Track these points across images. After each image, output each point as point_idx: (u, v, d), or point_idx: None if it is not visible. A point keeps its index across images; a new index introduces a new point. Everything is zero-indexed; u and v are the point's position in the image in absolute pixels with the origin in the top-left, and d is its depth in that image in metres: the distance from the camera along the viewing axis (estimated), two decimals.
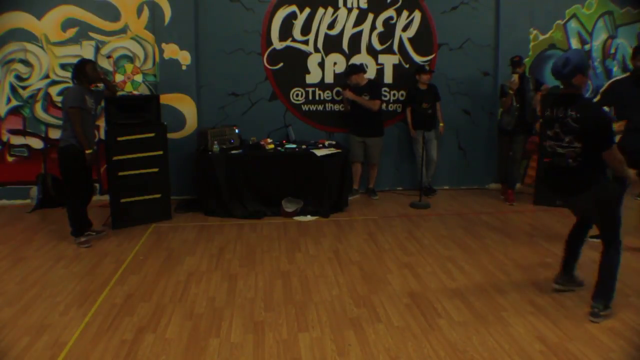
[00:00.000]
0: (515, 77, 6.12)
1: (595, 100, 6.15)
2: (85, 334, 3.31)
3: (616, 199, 3.47)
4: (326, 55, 6.70)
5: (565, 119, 3.36)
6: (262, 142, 6.19)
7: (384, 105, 6.69)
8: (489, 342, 3.19)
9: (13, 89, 6.26)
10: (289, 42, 6.62)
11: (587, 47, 7.15)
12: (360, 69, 6.43)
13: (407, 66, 6.81)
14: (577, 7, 7.01)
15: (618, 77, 5.09)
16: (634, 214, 6.07)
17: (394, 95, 6.83)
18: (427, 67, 6.67)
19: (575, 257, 3.87)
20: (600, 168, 3.40)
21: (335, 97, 6.79)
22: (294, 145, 6.25)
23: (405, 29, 6.75)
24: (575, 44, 7.09)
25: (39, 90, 6.29)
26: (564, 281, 3.88)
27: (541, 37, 6.99)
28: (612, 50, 7.24)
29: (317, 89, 6.75)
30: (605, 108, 4.80)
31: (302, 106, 6.78)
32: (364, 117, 6.36)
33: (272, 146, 6.15)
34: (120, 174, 5.33)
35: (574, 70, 3.35)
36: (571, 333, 3.29)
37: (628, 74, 4.94)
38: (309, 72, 6.71)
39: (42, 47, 6.20)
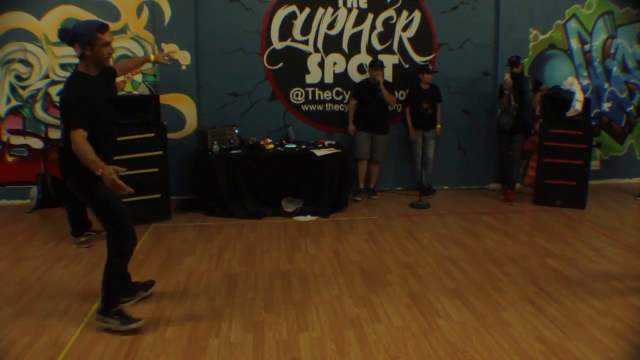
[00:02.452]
0: (507, 76, 6.13)
1: None
2: (85, 334, 3.31)
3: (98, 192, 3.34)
4: (326, 55, 6.69)
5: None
6: (262, 142, 6.19)
7: None
8: (489, 342, 3.19)
9: (13, 89, 6.25)
10: (288, 42, 6.62)
11: (587, 47, 7.16)
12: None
13: (407, 66, 6.81)
14: (577, 7, 7.01)
15: None
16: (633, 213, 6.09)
17: (394, 95, 6.83)
18: (430, 67, 6.68)
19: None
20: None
21: (335, 97, 6.79)
22: (293, 145, 6.25)
23: (405, 29, 6.75)
24: (575, 44, 7.09)
25: (38, 90, 6.29)
26: (132, 294, 3.72)
27: (541, 37, 6.99)
28: (612, 50, 7.24)
29: (316, 89, 6.75)
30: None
31: (302, 106, 6.78)
32: (374, 113, 6.39)
33: (272, 146, 6.16)
34: (120, 174, 5.31)
35: (76, 37, 3.16)
36: (571, 333, 3.29)
37: None
38: (308, 72, 6.71)
39: (42, 47, 6.20)
